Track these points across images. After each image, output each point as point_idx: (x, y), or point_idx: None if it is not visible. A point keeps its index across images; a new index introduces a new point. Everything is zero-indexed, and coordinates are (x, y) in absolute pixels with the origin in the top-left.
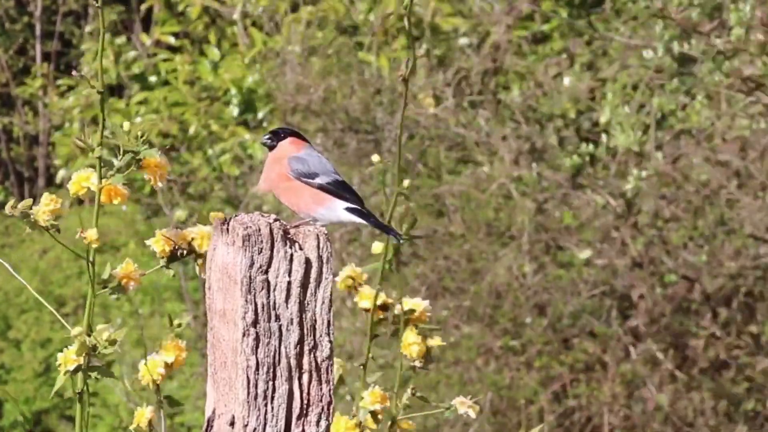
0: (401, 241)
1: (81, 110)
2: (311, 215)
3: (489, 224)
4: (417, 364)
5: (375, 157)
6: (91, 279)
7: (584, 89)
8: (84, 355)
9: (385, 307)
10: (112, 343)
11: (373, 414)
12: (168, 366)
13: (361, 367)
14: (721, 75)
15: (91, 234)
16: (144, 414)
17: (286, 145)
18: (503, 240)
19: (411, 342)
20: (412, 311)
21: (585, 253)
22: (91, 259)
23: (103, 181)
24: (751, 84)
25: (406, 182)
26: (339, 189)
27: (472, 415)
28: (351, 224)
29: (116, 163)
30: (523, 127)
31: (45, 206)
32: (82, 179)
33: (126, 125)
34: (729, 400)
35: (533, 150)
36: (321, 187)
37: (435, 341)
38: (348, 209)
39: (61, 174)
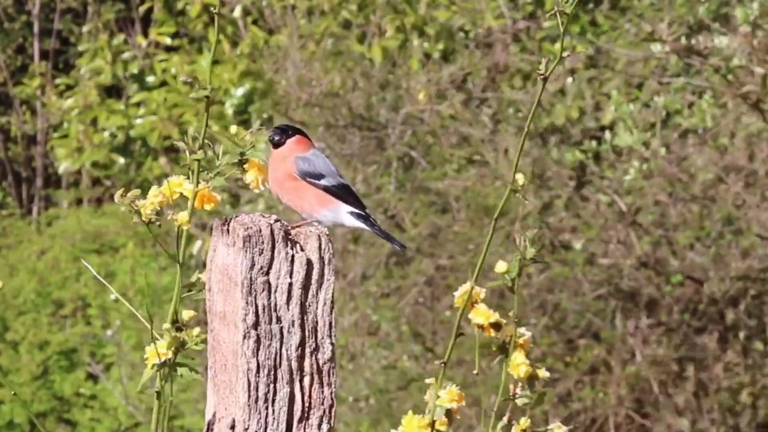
0: (404, 251)
1: (80, 111)
2: (314, 216)
3: (491, 216)
4: (518, 391)
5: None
6: (179, 273)
7: (590, 105)
8: (173, 349)
9: (497, 326)
10: (204, 341)
11: (449, 413)
12: None
13: (442, 365)
14: (724, 78)
15: (183, 216)
16: None
17: (293, 144)
18: (501, 226)
19: (520, 362)
20: (521, 335)
21: (579, 244)
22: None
23: (200, 185)
24: (749, 99)
25: None
26: (343, 192)
27: None
28: (354, 228)
29: (217, 164)
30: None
31: (154, 197)
32: (175, 185)
33: (233, 128)
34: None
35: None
36: (326, 189)
37: (541, 372)
38: (352, 213)
39: (63, 167)
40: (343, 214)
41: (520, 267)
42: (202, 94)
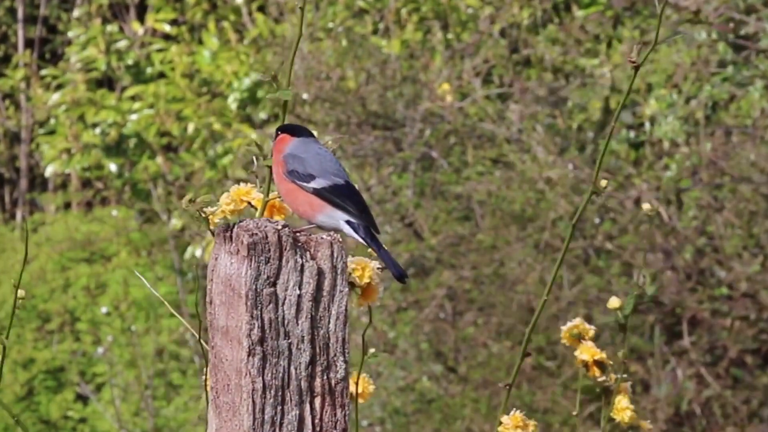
0: (405, 281)
1: (68, 107)
2: (312, 222)
3: (518, 223)
4: None
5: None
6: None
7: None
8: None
9: (601, 365)
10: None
11: None
12: None
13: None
14: None
15: None
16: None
17: (275, 143)
18: (529, 234)
19: (624, 407)
20: (625, 379)
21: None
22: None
23: (271, 194)
24: None
25: None
26: (338, 196)
27: None
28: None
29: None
30: (559, 122)
31: (226, 206)
32: (242, 193)
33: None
34: None
35: (564, 150)
36: (316, 192)
37: (644, 425)
38: (349, 223)
39: (49, 170)
40: (340, 222)
41: (635, 305)
42: (286, 96)
